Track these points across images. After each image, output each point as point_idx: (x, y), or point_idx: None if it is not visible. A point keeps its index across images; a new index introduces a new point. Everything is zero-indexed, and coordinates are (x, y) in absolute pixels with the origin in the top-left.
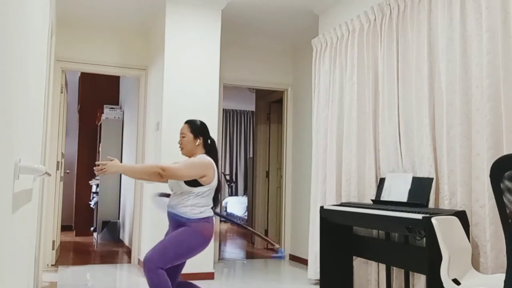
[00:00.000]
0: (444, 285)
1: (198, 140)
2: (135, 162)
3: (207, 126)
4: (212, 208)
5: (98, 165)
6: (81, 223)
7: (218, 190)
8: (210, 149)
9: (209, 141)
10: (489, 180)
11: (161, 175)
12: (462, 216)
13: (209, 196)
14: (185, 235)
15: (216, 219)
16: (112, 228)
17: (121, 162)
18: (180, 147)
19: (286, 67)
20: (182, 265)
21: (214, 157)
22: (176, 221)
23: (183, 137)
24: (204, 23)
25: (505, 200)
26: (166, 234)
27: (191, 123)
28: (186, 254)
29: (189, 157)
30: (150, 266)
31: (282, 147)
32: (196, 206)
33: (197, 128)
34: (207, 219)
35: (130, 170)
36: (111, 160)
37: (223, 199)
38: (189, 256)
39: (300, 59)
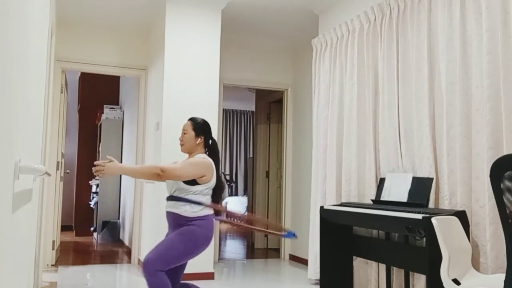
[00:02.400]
0: (444, 285)
1: (199, 139)
2: (135, 163)
3: (210, 126)
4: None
5: (97, 165)
6: (81, 223)
7: (218, 189)
8: (211, 150)
9: (210, 142)
10: (489, 180)
11: (160, 176)
12: (462, 216)
13: (207, 195)
14: (185, 235)
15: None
16: (112, 228)
17: (121, 162)
18: (180, 143)
19: (286, 67)
20: (183, 266)
21: (216, 158)
22: (176, 221)
23: (184, 133)
24: (204, 23)
25: (505, 200)
26: (166, 236)
27: (194, 121)
28: (187, 254)
29: (188, 154)
30: (149, 269)
31: (282, 147)
32: (195, 204)
33: (200, 127)
34: (206, 217)
35: (129, 172)
36: (110, 161)
37: (223, 199)
38: (190, 256)
39: (300, 59)
